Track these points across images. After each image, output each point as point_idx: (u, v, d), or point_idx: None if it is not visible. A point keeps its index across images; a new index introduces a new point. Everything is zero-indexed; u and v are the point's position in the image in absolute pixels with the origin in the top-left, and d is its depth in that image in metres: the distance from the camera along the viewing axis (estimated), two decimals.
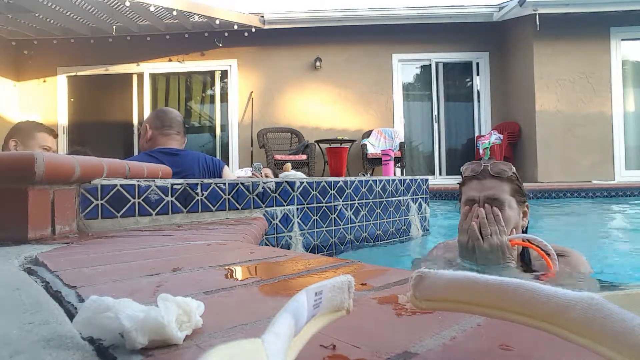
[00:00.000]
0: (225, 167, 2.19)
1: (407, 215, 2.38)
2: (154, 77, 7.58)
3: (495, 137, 6.48)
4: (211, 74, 7.56)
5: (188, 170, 1.96)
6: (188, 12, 6.33)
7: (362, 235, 2.08)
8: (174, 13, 6.25)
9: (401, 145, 6.44)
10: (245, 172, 4.16)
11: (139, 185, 1.27)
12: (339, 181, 1.97)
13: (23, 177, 0.96)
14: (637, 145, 6.51)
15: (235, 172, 3.65)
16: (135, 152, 6.95)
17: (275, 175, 2.94)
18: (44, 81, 7.44)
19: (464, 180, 1.33)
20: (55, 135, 2.28)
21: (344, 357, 0.30)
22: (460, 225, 1.28)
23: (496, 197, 1.23)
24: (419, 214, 2.46)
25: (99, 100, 7.79)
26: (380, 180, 2.22)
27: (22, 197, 0.96)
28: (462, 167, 1.35)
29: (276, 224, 1.65)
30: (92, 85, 7.59)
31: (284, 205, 1.69)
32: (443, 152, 7.33)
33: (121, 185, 1.23)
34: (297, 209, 1.75)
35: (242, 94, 7.31)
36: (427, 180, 2.57)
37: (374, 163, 6.37)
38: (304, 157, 6.29)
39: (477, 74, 7.38)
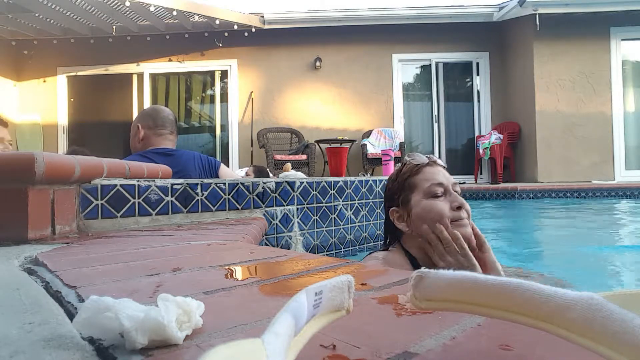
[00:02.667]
0: (222, 165, 2.12)
1: None
2: (154, 77, 7.58)
3: (495, 137, 6.47)
4: (211, 74, 7.55)
5: (184, 171, 1.91)
6: (188, 12, 6.33)
7: (362, 235, 2.08)
8: (174, 13, 6.25)
9: (401, 145, 6.44)
10: (246, 172, 4.16)
11: (139, 185, 1.27)
12: (339, 181, 1.97)
13: (23, 177, 0.96)
14: (637, 145, 6.51)
15: (235, 172, 3.65)
16: None
17: (266, 175, 2.92)
18: (44, 81, 7.44)
19: (417, 169, 1.19)
20: (5, 125, 2.10)
21: (344, 357, 0.30)
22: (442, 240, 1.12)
23: (459, 183, 1.20)
24: None
25: (99, 100, 7.79)
26: (380, 180, 2.22)
27: (22, 197, 0.96)
28: (405, 157, 1.23)
29: (276, 224, 1.65)
30: (92, 85, 7.59)
31: (284, 205, 1.69)
32: (443, 152, 7.33)
33: (121, 185, 1.23)
34: (297, 209, 1.75)
35: (242, 94, 7.31)
36: None
37: (374, 163, 6.37)
38: (304, 157, 6.29)
39: (477, 74, 7.38)
